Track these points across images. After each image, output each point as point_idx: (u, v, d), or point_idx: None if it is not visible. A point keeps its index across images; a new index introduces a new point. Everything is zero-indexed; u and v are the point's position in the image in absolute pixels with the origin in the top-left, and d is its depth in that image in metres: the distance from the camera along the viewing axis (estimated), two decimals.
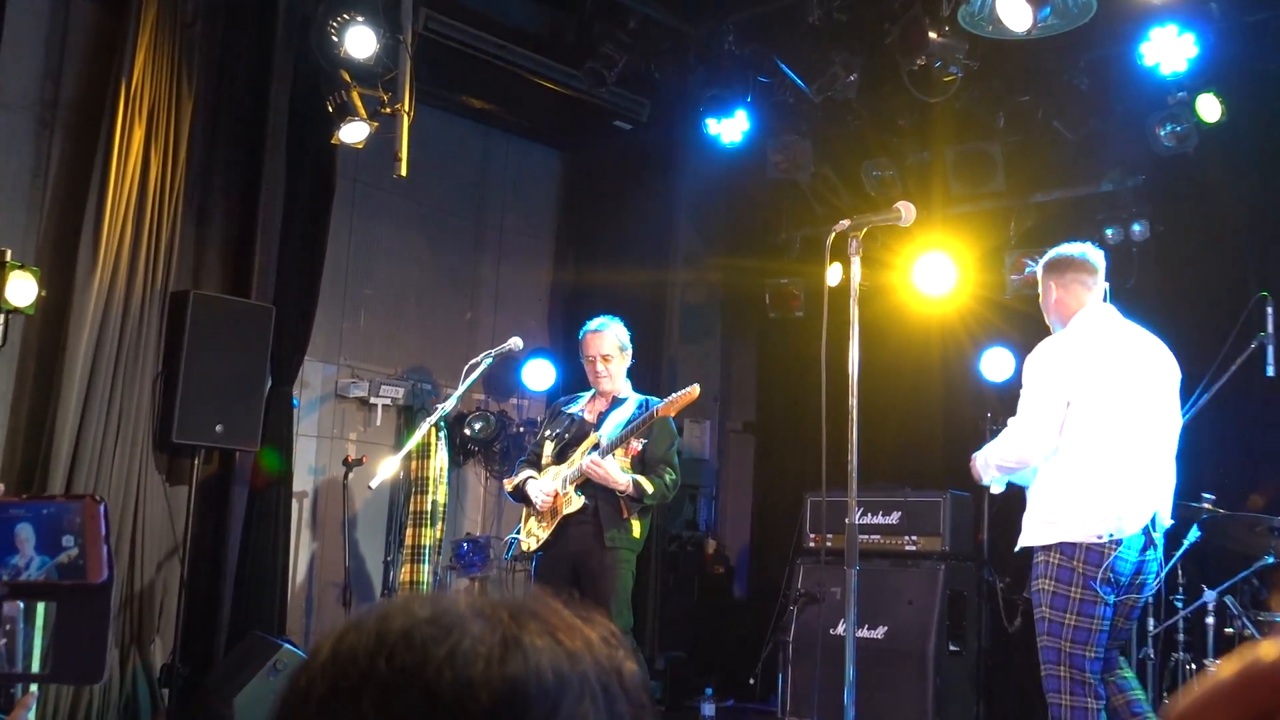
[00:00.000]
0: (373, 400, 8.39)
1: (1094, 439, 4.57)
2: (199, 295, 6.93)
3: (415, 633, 0.89)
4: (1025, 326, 7.52)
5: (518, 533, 5.97)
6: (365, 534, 8.37)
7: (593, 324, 5.83)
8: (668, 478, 5.59)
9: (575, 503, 5.58)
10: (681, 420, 7.89)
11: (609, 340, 5.77)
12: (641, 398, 5.80)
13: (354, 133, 6.95)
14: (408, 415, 8.63)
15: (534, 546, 5.72)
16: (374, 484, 5.79)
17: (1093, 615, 4.52)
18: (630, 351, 5.83)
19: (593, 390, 5.91)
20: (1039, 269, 4.97)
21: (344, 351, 8.45)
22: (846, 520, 4.36)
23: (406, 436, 8.13)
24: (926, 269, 8.21)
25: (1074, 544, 4.53)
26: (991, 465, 4.77)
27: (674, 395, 5.40)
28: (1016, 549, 4.79)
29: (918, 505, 7.28)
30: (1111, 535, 4.52)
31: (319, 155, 7.60)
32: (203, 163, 7.20)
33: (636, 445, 5.60)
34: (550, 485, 5.67)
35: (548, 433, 5.92)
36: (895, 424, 8.48)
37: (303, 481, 8.04)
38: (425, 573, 7.85)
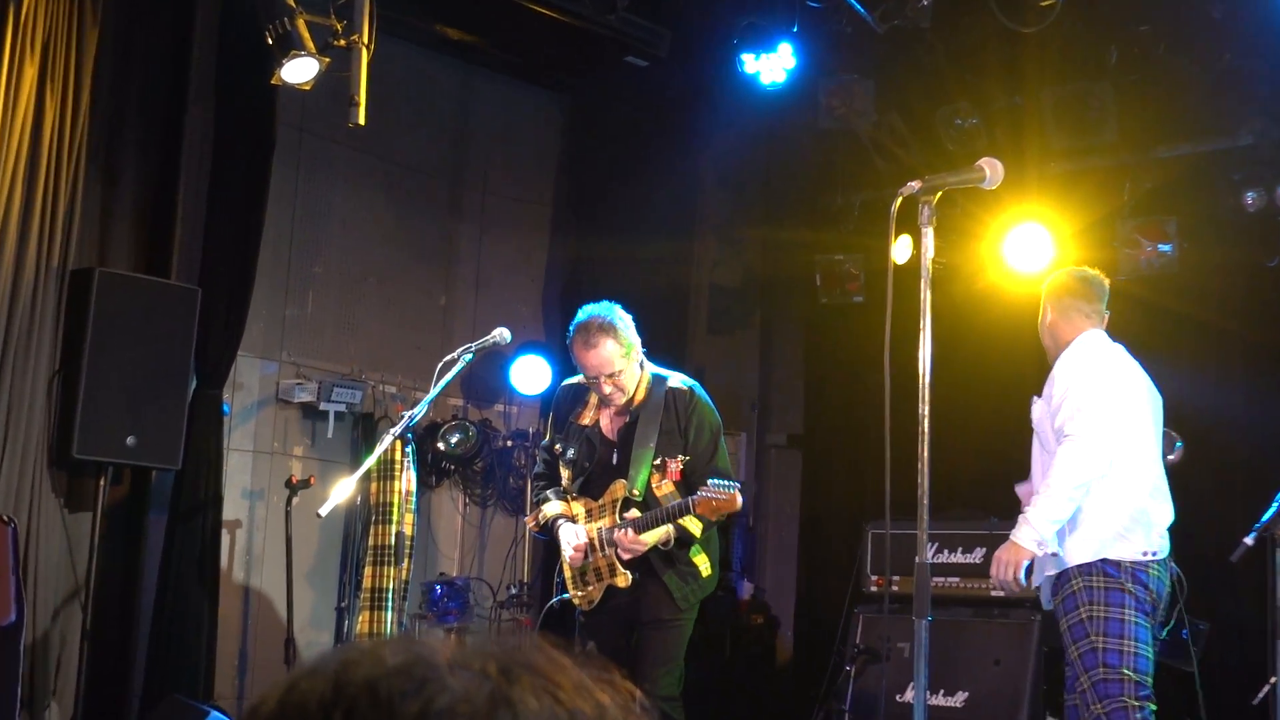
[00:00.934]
0: (323, 406, 8.40)
1: (1132, 456, 5.22)
2: (105, 274, 6.93)
3: (382, 685, 0.90)
4: (1142, 314, 7.47)
5: (561, 575, 5.97)
6: (314, 574, 8.36)
7: (580, 332, 5.62)
8: (719, 482, 5.57)
9: (620, 579, 5.64)
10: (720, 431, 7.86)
11: (609, 353, 5.58)
12: (664, 385, 5.70)
13: (299, 71, 6.92)
14: (367, 425, 8.63)
15: (586, 606, 5.77)
16: (324, 511, 5.77)
17: (1148, 641, 5.04)
18: (639, 345, 5.73)
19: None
20: (1043, 287, 5.65)
21: (287, 345, 8.46)
22: (916, 559, 4.33)
23: (365, 452, 8.12)
24: (1018, 242, 8.16)
25: (1118, 562, 5.07)
26: (1058, 507, 5.14)
27: (715, 493, 5.30)
28: (1049, 573, 5.21)
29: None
30: (1154, 552, 5.14)
31: (255, 100, 7.60)
32: (111, 109, 7.19)
33: (675, 465, 5.60)
34: (580, 535, 5.69)
35: (559, 447, 5.91)
36: (978, 437, 8.43)
37: (235, 508, 8.04)
38: (388, 622, 7.85)
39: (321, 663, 0.93)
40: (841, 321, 9.33)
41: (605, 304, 5.71)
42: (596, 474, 5.76)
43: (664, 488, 5.58)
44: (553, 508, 5.83)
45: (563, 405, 5.99)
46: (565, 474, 5.86)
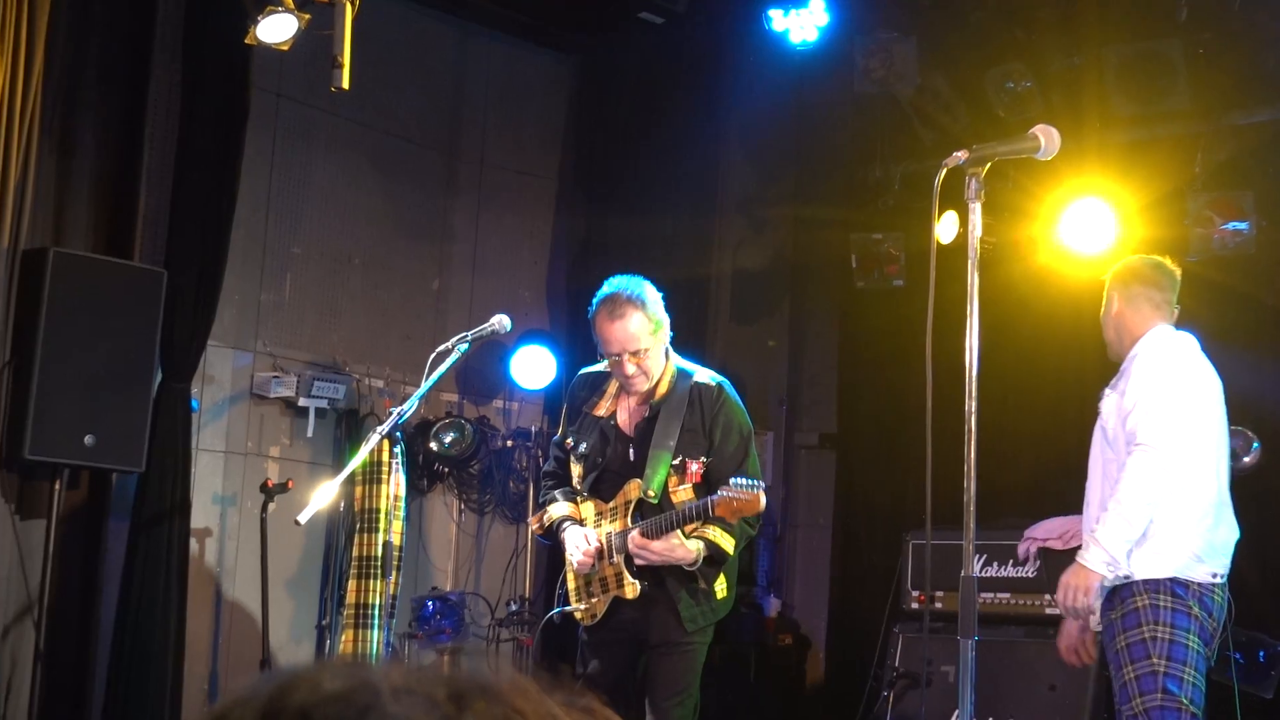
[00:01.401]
0: (303, 402, 8.40)
1: (1207, 468, 5.29)
2: (61, 255, 6.94)
3: (318, 714, 0.89)
4: (1215, 299, 7.43)
5: (563, 586, 5.96)
6: (292, 588, 8.37)
7: (605, 303, 5.63)
8: (745, 482, 5.54)
9: (628, 590, 5.60)
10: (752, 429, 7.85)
11: (637, 327, 5.55)
12: (690, 379, 5.69)
13: (276, 29, 6.92)
14: (351, 423, 8.64)
15: (589, 621, 5.75)
16: (304, 518, 5.77)
17: (1204, 671, 5.13)
18: (668, 325, 5.69)
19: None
20: (1107, 275, 5.69)
21: (263, 334, 8.47)
22: (962, 572, 4.32)
23: (350, 453, 8.12)
24: (1076, 220, 8.14)
25: (1187, 583, 5.14)
26: (1130, 524, 5.15)
27: (736, 492, 5.29)
28: (1104, 584, 5.22)
29: (1063, 553, 7.22)
30: (1220, 575, 5.22)
31: (227, 62, 7.60)
32: (67, 73, 7.19)
33: (696, 466, 5.57)
34: (591, 539, 5.68)
35: (570, 442, 5.89)
36: (1031, 436, 8.41)
37: (205, 515, 8.06)
38: (374, 641, 7.86)
39: (253, 690, 0.92)
40: (880, 308, 9.30)
41: (634, 277, 5.69)
42: (610, 472, 5.73)
43: (682, 493, 5.54)
44: (559, 509, 5.82)
45: (578, 394, 5.96)
46: (576, 470, 5.83)
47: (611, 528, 5.65)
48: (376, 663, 0.95)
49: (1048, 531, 7.33)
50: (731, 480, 5.27)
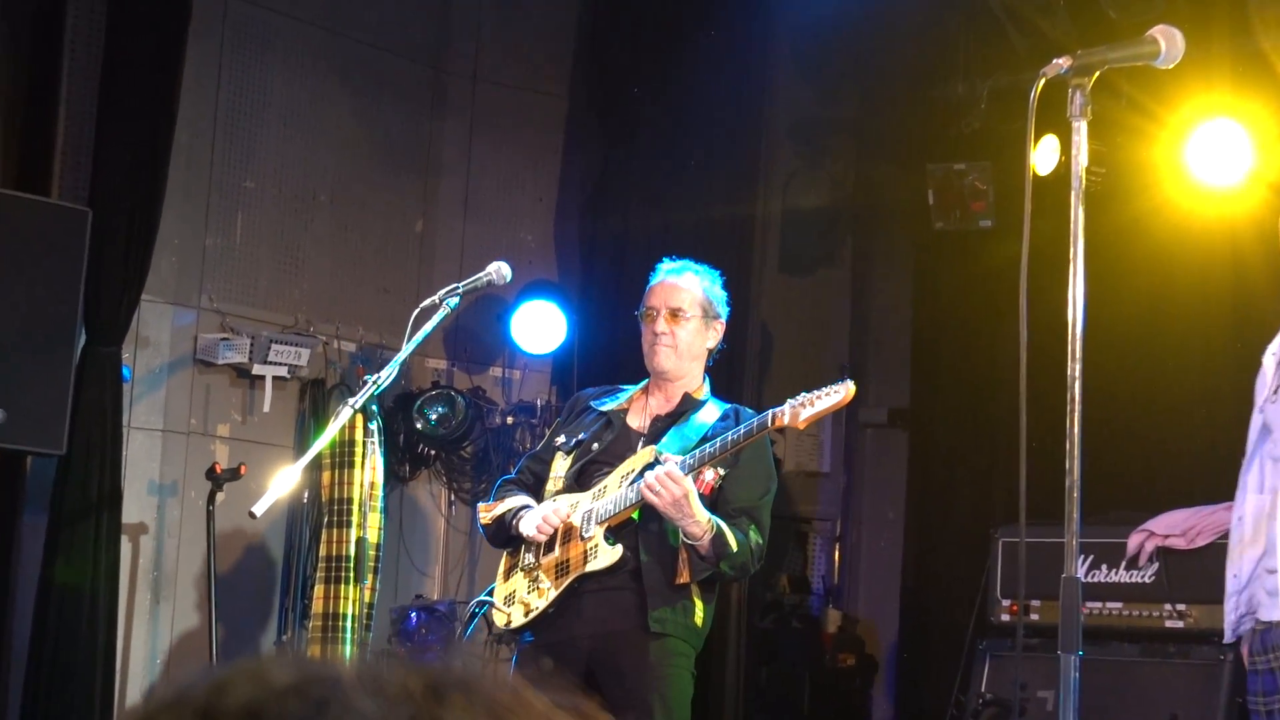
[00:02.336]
0: (258, 369, 8.42)
1: None
2: None
3: (269, 711, 0.91)
4: None
5: (489, 594, 5.97)
6: (246, 595, 8.40)
7: (668, 263, 5.94)
8: (753, 538, 5.62)
9: (605, 555, 5.58)
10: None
11: (690, 289, 5.83)
12: (726, 406, 5.83)
13: None
14: (316, 395, 8.66)
15: (521, 621, 5.73)
16: (260, 510, 5.79)
17: None
18: (722, 326, 5.92)
19: (643, 381, 5.92)
20: None
21: (209, 287, 8.48)
22: (1063, 575, 4.31)
23: (315, 432, 8.13)
24: (1206, 144, 8.09)
25: None
26: None
27: (807, 395, 5.36)
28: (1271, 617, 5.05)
29: (1186, 555, 7.21)
30: None
31: None
32: None
33: (712, 476, 5.61)
34: (561, 508, 5.68)
35: (561, 439, 5.93)
36: (1150, 411, 8.39)
37: (140, 507, 8.08)
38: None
39: (187, 690, 0.93)
40: (963, 254, 9.28)
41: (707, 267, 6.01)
42: (601, 460, 5.76)
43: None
44: (517, 500, 5.84)
45: (582, 400, 6.07)
46: (561, 467, 5.84)
47: (596, 505, 5.66)
48: (330, 656, 0.94)
49: (1169, 527, 7.31)
50: (800, 394, 5.36)
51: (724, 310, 5.91)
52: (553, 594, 5.65)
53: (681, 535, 5.45)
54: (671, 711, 5.54)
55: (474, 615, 5.99)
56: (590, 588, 5.62)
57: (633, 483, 5.54)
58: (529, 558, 5.77)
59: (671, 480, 5.35)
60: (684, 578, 5.54)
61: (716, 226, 9.02)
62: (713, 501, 5.60)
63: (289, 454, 8.35)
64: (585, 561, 5.59)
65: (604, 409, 5.91)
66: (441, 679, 0.94)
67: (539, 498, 5.85)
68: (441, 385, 9.13)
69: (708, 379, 5.92)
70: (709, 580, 5.63)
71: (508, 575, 5.87)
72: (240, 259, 8.61)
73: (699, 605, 5.63)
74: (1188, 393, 8.40)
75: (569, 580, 5.62)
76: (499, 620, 5.82)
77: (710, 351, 5.91)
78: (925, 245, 9.67)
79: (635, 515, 5.55)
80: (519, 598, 5.76)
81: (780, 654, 9.45)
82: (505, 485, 6.01)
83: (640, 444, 5.73)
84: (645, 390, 5.91)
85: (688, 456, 5.48)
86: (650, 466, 5.53)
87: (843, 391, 5.36)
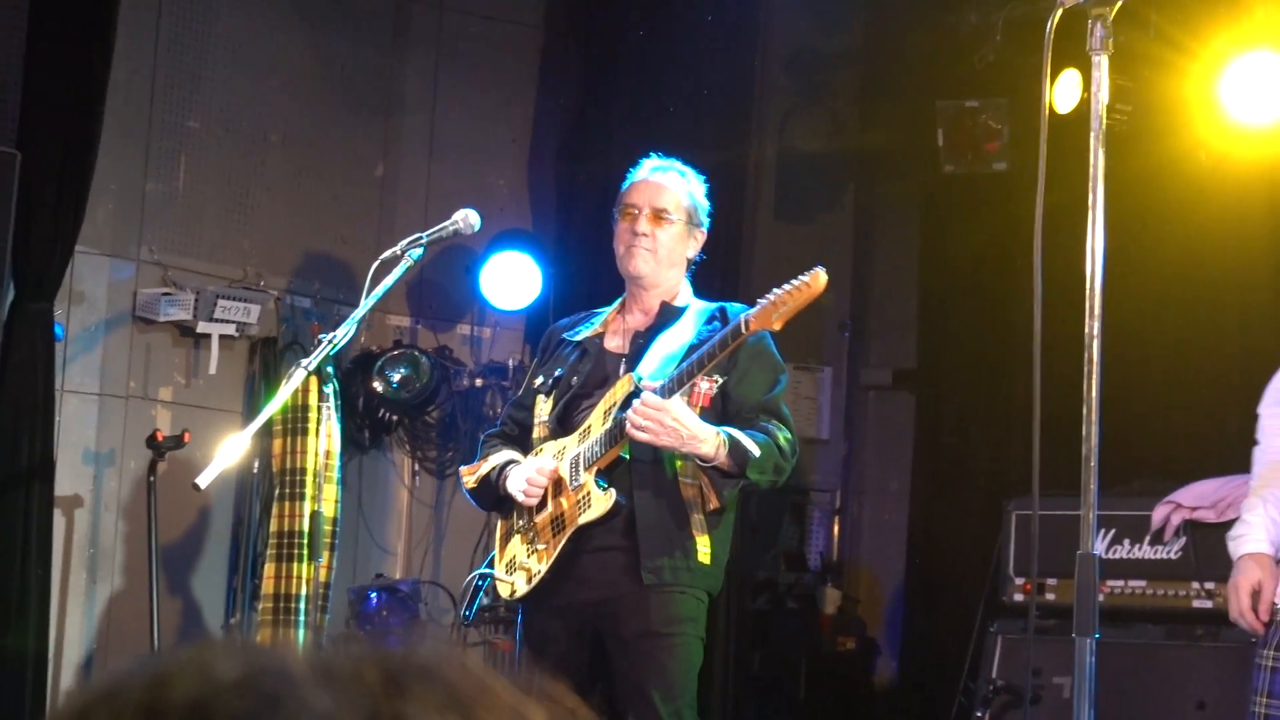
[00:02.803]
0: (203, 327, 8.43)
1: None
2: None
3: (216, 707, 0.92)
4: None
5: (490, 566, 5.99)
6: (191, 574, 8.42)
7: (655, 162, 5.95)
8: (777, 433, 5.59)
9: (598, 503, 5.59)
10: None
11: (676, 190, 5.85)
12: (711, 305, 5.80)
13: None
14: (267, 355, 8.68)
15: (525, 589, 5.75)
16: (205, 481, 5.80)
17: None
18: (703, 236, 5.93)
19: (618, 300, 5.92)
20: None
21: (149, 237, 8.48)
22: (1079, 552, 4.34)
23: (266, 396, 8.14)
24: (1241, 79, 8.11)
25: None
26: None
27: (777, 292, 5.37)
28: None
29: (1216, 529, 7.24)
30: None
31: None
32: None
33: (707, 386, 5.60)
34: (546, 464, 5.70)
35: (539, 379, 5.92)
36: (1176, 372, 8.42)
37: (74, 479, 8.10)
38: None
39: (124, 682, 0.94)
40: (974, 200, 9.30)
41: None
42: (583, 397, 5.76)
43: None
44: (502, 456, 5.84)
45: (558, 329, 6.04)
46: (543, 410, 5.85)
47: (581, 448, 5.67)
48: (277, 645, 0.96)
49: (1197, 498, 7.33)
50: (771, 291, 5.36)
51: (706, 220, 5.92)
52: (553, 554, 5.67)
53: (694, 460, 5.47)
54: (673, 690, 5.55)
55: (477, 589, 5.99)
56: (587, 546, 5.62)
57: (616, 416, 5.56)
58: (522, 520, 5.79)
59: (654, 409, 5.34)
60: (714, 504, 5.57)
61: (707, 170, 8.85)
62: (720, 412, 5.59)
63: (237, 420, 8.37)
64: (579, 512, 5.61)
65: (578, 338, 5.90)
66: (401, 668, 0.95)
67: (527, 448, 5.87)
68: (404, 344, 9.14)
69: (688, 281, 5.91)
70: (714, 515, 5.62)
71: (505, 540, 5.88)
72: (183, 206, 8.61)
73: (702, 541, 5.61)
74: (1220, 352, 8.42)
75: (565, 537, 5.64)
76: (503, 591, 5.83)
77: (689, 261, 5.91)
78: (934, 190, 9.68)
79: (625, 452, 5.55)
80: (519, 563, 5.78)
81: (774, 637, 9.47)
82: (488, 440, 6.02)
83: (621, 368, 5.72)
84: (621, 307, 5.91)
85: (665, 380, 5.45)
86: (633, 396, 5.52)
87: (810, 279, 5.31)
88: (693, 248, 5.88)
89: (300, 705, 0.91)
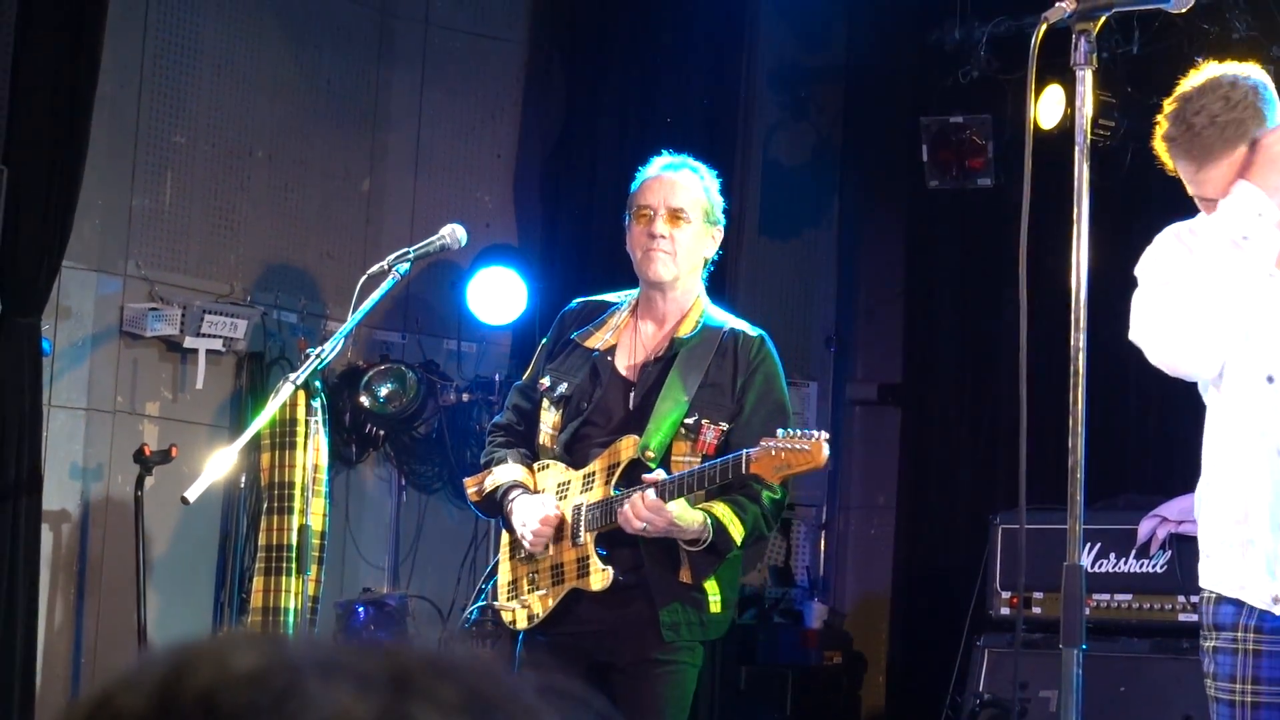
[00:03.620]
0: (190, 342, 8.42)
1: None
2: None
3: (225, 699, 0.92)
4: None
5: (490, 584, 5.97)
6: (178, 588, 8.41)
7: (661, 158, 5.78)
8: (766, 498, 5.55)
9: (596, 579, 5.56)
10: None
11: (692, 188, 5.67)
12: (721, 328, 5.72)
13: None
14: (254, 370, 8.67)
15: (525, 625, 5.73)
16: (193, 495, 5.80)
17: None
18: (720, 234, 5.77)
19: (633, 293, 5.84)
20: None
21: (135, 252, 8.47)
22: (1065, 564, 4.36)
23: (253, 411, 8.14)
24: None
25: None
26: None
27: (784, 446, 5.26)
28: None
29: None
30: None
31: None
32: None
33: (712, 434, 5.55)
34: (549, 510, 5.66)
35: (546, 381, 5.84)
36: (1157, 389, 8.43)
37: (62, 494, 8.09)
38: None
39: (144, 671, 0.95)
40: (960, 215, 9.32)
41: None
42: (594, 425, 5.71)
43: (687, 465, 5.55)
44: (508, 472, 5.77)
45: (567, 322, 5.92)
46: (550, 420, 5.80)
47: (585, 499, 5.63)
48: (295, 638, 0.96)
49: (1183, 512, 7.34)
50: (780, 432, 5.28)
51: (723, 217, 5.76)
52: (552, 603, 5.66)
53: (680, 543, 5.44)
54: (665, 717, 5.53)
55: (472, 611, 5.97)
56: (590, 595, 5.62)
57: (619, 483, 5.50)
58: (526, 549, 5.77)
59: (653, 513, 5.29)
60: (685, 578, 5.54)
61: None
62: (723, 452, 5.54)
63: (224, 434, 8.35)
64: (578, 577, 5.59)
65: (589, 343, 5.81)
66: (414, 667, 0.95)
67: (531, 444, 5.81)
68: (391, 359, 9.12)
69: (702, 291, 5.78)
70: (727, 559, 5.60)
71: (512, 554, 5.83)
72: (170, 221, 8.61)
73: (712, 589, 5.57)
74: None
75: (564, 590, 5.62)
76: (506, 619, 5.80)
77: (706, 261, 5.76)
78: (919, 206, 9.69)
79: None
80: (522, 594, 5.75)
81: (761, 652, 9.46)
82: (494, 436, 5.91)
83: (631, 402, 5.63)
84: (634, 311, 5.78)
85: (666, 481, 5.36)
86: (635, 463, 5.49)
87: (812, 449, 5.19)
88: (710, 246, 5.72)
89: (306, 701, 0.91)
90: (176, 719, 0.91)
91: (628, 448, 5.53)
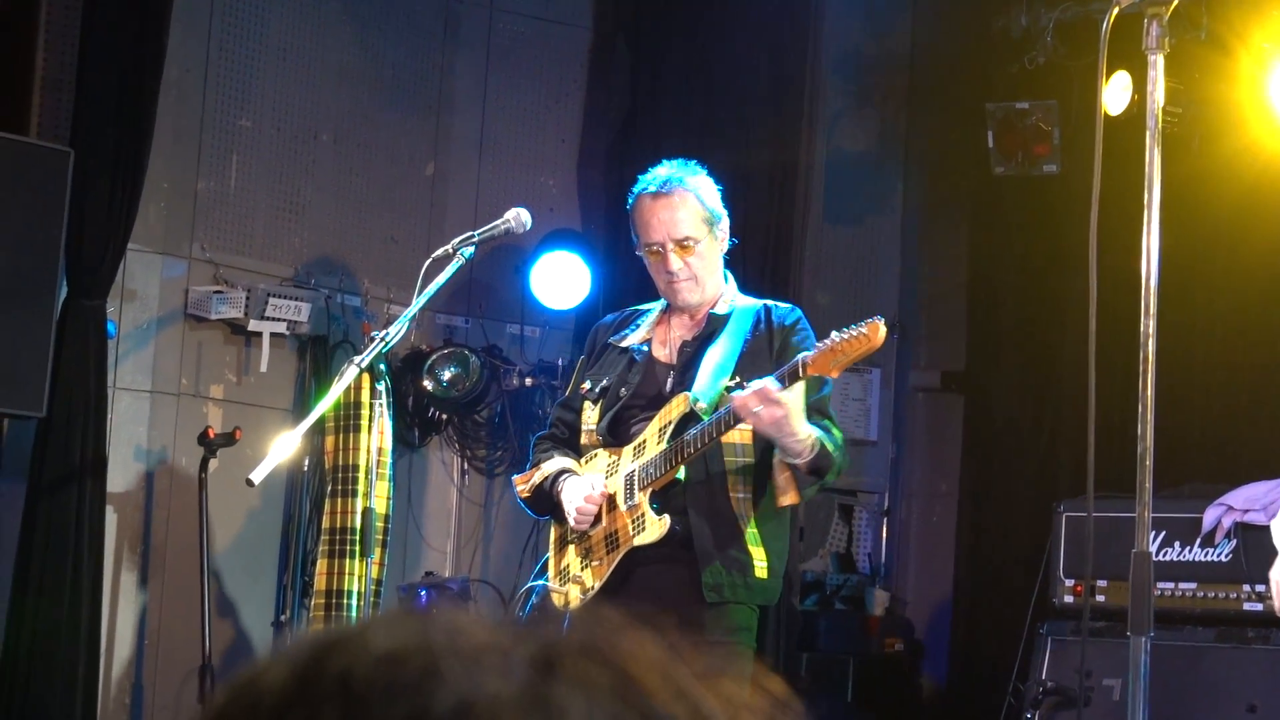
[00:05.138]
0: (254, 325, 8.45)
1: None
2: None
3: (360, 678, 0.94)
4: None
5: (542, 575, 5.99)
6: (242, 570, 8.45)
7: (647, 186, 5.75)
8: (836, 435, 5.57)
9: (653, 528, 5.58)
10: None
11: (688, 209, 5.68)
12: (754, 305, 5.75)
13: None
14: (318, 353, 8.70)
15: (578, 599, 5.74)
16: (258, 478, 5.82)
17: None
18: (727, 223, 5.81)
19: (661, 303, 5.89)
20: None
21: (201, 236, 8.51)
22: (1134, 551, 4.33)
23: (316, 394, 8.16)
24: None
25: None
26: None
27: (836, 337, 5.31)
28: None
29: (1266, 531, 7.20)
30: None
31: None
32: None
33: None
34: (597, 485, 5.68)
35: (586, 384, 5.90)
36: (1228, 374, 8.38)
37: (126, 476, 8.14)
38: None
39: (289, 651, 0.98)
40: (1025, 202, 9.27)
41: (686, 161, 5.87)
42: (635, 409, 5.74)
43: (731, 434, 5.55)
44: (555, 464, 5.82)
45: (601, 335, 6.01)
46: (591, 418, 5.83)
47: (636, 465, 5.64)
48: (444, 616, 0.96)
49: (1248, 500, 7.31)
50: (831, 333, 5.30)
51: (722, 208, 5.76)
52: (606, 571, 5.67)
53: (778, 453, 5.44)
54: None
55: (530, 592, 5.97)
56: (643, 560, 5.61)
57: (671, 437, 5.53)
58: (574, 530, 5.79)
59: (769, 401, 5.24)
60: (789, 498, 5.53)
61: (756, 171, 9.01)
62: None
63: (287, 417, 8.39)
64: (633, 534, 5.60)
65: (625, 344, 5.87)
66: (559, 644, 0.95)
67: (577, 451, 5.86)
68: (454, 343, 9.14)
69: (728, 276, 5.83)
70: (770, 525, 5.62)
71: (560, 547, 5.87)
72: (235, 205, 8.64)
73: (758, 555, 5.58)
74: (1273, 354, 8.39)
75: (619, 555, 5.63)
76: (557, 601, 5.81)
77: (725, 273, 5.81)
78: (984, 192, 9.65)
79: (681, 474, 5.54)
80: (573, 574, 5.77)
81: (822, 639, 9.45)
82: (539, 444, 5.98)
83: (669, 382, 5.69)
84: (665, 316, 5.84)
85: (778, 372, 5.34)
86: (688, 417, 5.53)
87: (869, 330, 5.27)
88: (724, 243, 5.78)
89: (446, 681, 0.93)
90: (315, 697, 0.93)
91: (679, 404, 5.58)
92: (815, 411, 5.58)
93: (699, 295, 5.70)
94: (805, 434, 5.36)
